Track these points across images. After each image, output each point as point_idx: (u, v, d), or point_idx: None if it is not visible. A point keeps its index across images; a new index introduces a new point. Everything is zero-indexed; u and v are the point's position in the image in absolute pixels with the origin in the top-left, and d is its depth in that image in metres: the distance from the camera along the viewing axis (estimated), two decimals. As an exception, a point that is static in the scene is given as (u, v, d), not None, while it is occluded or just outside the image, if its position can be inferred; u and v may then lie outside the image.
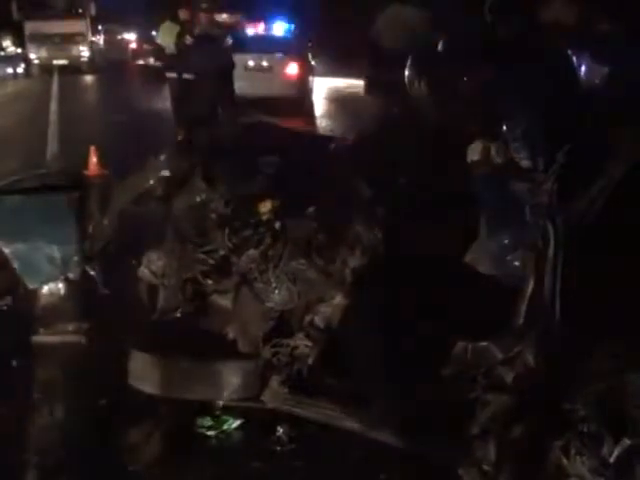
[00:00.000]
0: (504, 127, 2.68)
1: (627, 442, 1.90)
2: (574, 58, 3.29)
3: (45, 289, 3.93)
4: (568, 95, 2.79)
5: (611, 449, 1.91)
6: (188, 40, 7.55)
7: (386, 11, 6.26)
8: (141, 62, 23.77)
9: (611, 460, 1.90)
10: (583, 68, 6.08)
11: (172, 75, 7.94)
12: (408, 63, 3.09)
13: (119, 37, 32.55)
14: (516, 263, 2.47)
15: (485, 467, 2.18)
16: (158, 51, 8.38)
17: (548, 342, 2.16)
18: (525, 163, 2.60)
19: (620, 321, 2.09)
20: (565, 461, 1.97)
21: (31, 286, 3.79)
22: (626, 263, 2.17)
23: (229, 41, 8.25)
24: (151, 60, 18.60)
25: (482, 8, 3.01)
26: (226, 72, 7.89)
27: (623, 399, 1.94)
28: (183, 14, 7.83)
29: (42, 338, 3.52)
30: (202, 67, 7.51)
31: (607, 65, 6.04)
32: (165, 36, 8.12)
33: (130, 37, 32.38)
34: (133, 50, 28.57)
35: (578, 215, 2.33)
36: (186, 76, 7.68)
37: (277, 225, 2.95)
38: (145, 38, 26.71)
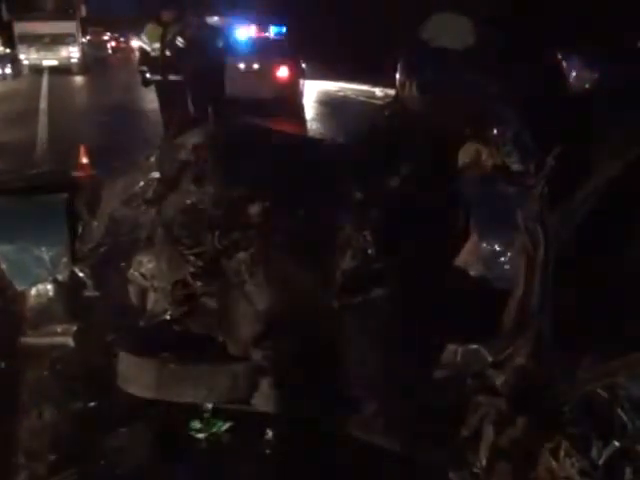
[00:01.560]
0: (495, 130, 2.69)
1: (616, 444, 1.90)
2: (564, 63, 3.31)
3: (33, 290, 3.91)
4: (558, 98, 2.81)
5: (600, 451, 1.91)
6: (180, 42, 7.52)
7: (433, 17, 6.56)
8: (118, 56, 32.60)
9: (600, 462, 1.91)
10: (573, 73, 6.13)
11: (157, 77, 7.90)
12: (399, 66, 3.10)
13: (104, 37, 39.95)
14: (507, 266, 2.48)
15: (475, 470, 2.18)
16: (142, 53, 8.28)
17: (539, 345, 2.17)
18: (516, 167, 2.62)
19: (611, 323, 2.10)
20: (554, 463, 1.97)
21: (19, 287, 3.76)
22: (618, 265, 2.18)
23: (220, 43, 8.22)
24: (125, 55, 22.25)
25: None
26: (216, 74, 7.86)
27: (612, 401, 1.95)
28: (166, 16, 7.79)
29: (30, 340, 3.49)
30: (192, 69, 7.48)
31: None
32: (148, 37, 8.08)
33: (111, 37, 42.18)
34: (112, 47, 39.58)
35: (567, 217, 2.34)
36: (174, 77, 7.64)
37: (267, 227, 2.94)
38: (124, 38, 37.33)
